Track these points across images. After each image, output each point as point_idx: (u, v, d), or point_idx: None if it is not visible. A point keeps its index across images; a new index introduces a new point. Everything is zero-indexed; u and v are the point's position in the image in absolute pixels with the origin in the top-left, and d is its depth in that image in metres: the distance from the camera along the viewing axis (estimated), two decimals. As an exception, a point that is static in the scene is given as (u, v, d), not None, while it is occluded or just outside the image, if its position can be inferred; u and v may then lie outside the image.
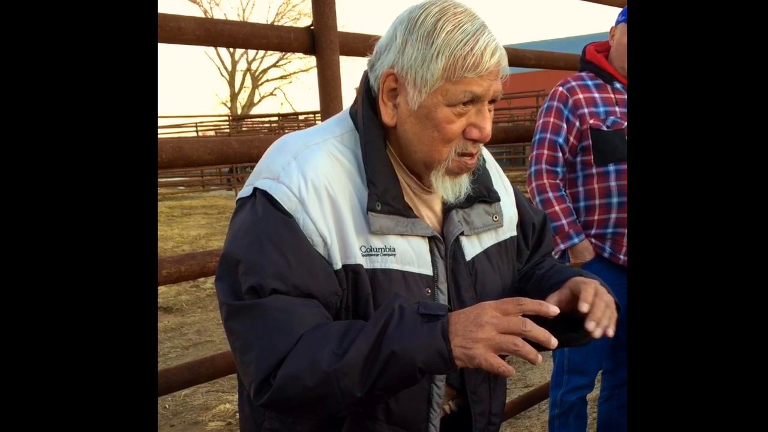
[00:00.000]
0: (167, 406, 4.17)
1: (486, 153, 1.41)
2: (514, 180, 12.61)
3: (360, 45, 2.21)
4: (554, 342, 1.05)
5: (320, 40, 2.10)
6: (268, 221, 1.15)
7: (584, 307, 1.16)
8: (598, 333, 1.15)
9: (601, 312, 1.16)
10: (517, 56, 3.07)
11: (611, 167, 2.51)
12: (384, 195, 1.18)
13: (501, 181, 1.42)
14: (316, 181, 1.16)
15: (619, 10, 2.68)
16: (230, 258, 1.16)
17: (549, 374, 3.06)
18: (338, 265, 1.16)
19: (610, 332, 1.16)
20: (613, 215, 2.53)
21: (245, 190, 1.21)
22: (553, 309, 1.09)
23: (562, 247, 2.60)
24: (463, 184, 1.25)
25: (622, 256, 2.54)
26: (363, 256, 1.17)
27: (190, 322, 6.02)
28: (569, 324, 1.22)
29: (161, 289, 6.71)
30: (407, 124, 1.19)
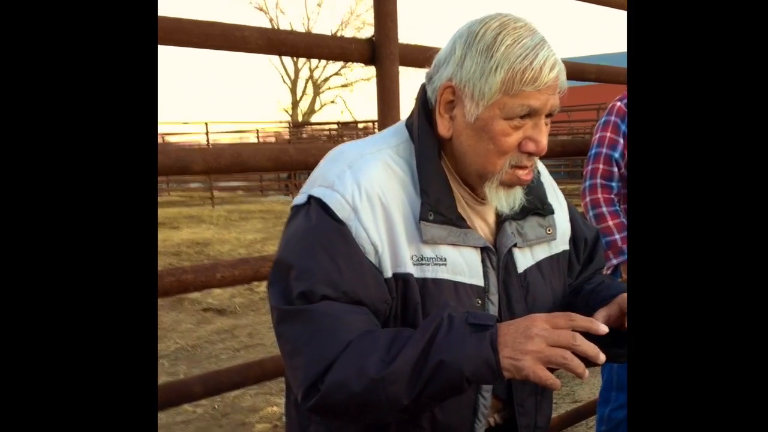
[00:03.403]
0: (216, 406, 4.24)
1: (541, 166, 1.41)
2: (572, 193, 12.48)
3: (420, 56, 2.22)
4: (602, 358, 1.05)
5: (381, 51, 2.12)
6: (321, 228, 1.16)
7: None
8: None
9: None
10: (578, 70, 3.05)
11: None
12: (437, 205, 1.19)
13: (555, 195, 1.42)
14: (369, 190, 1.18)
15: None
16: (283, 263, 1.18)
17: (597, 390, 3.02)
18: (388, 274, 1.17)
19: None
20: None
21: (300, 198, 1.23)
22: (602, 327, 1.08)
23: (614, 262, 2.57)
24: (517, 196, 1.25)
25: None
26: (414, 265, 1.18)
27: (242, 325, 6.10)
28: (617, 340, 1.20)
29: (216, 291, 6.82)
30: (463, 136, 1.20)
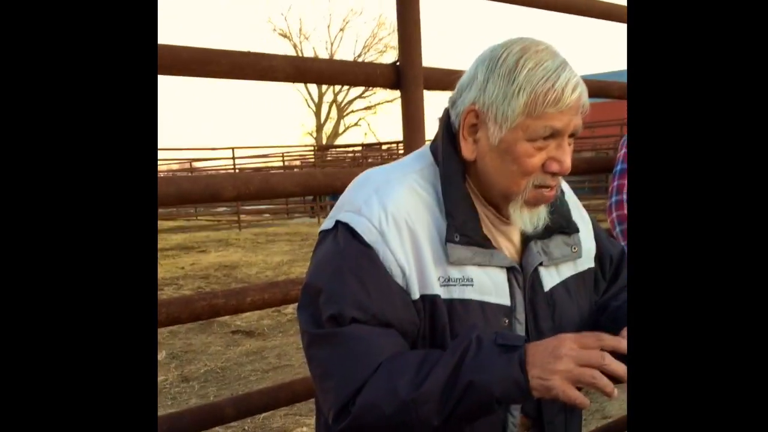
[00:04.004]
0: (246, 428, 4.26)
1: (565, 185, 1.42)
2: (596, 208, 12.40)
3: (444, 80, 2.25)
4: None
5: (405, 76, 2.15)
6: (349, 252, 1.18)
7: None
8: None
9: None
10: (602, 87, 3.06)
11: None
12: (462, 227, 1.20)
13: (579, 213, 1.43)
14: (396, 214, 1.20)
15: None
16: (312, 288, 1.20)
17: (627, 406, 2.99)
18: (416, 296, 1.19)
19: None
20: None
21: (327, 223, 1.26)
22: None
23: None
24: (541, 215, 1.26)
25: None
26: (441, 286, 1.20)
27: (270, 346, 6.14)
28: None
29: (244, 313, 6.87)
30: (487, 158, 1.22)
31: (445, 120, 1.28)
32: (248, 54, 1.88)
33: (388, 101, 35.91)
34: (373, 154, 20.85)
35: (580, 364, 1.05)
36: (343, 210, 1.24)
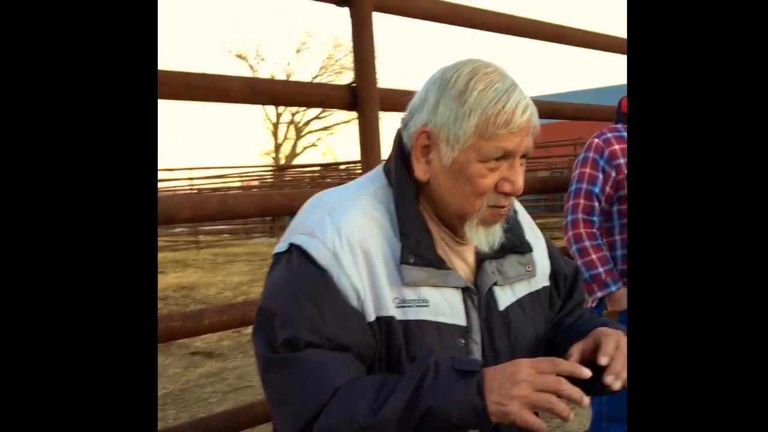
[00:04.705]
0: (207, 453, 4.19)
1: (518, 206, 1.44)
2: (552, 226, 12.51)
3: (399, 100, 2.26)
4: (586, 401, 1.08)
5: (361, 97, 2.17)
6: (303, 275, 1.18)
7: (603, 360, 1.18)
8: (617, 385, 1.16)
9: (620, 365, 1.18)
10: (555, 109, 3.13)
11: None
12: (417, 248, 1.21)
13: (533, 233, 1.45)
14: (350, 236, 1.20)
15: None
16: (267, 311, 1.19)
17: (587, 421, 3.03)
18: (371, 318, 1.19)
19: None
20: None
21: (281, 246, 1.25)
22: (586, 372, 1.11)
23: (599, 294, 2.61)
24: (496, 234, 1.27)
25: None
26: (396, 308, 1.20)
27: (231, 367, 6.06)
28: (596, 373, 1.23)
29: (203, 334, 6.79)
30: (440, 179, 1.23)
31: (398, 141, 1.29)
32: (204, 75, 1.88)
33: (345, 122, 35.99)
34: (332, 174, 20.80)
35: (537, 389, 1.07)
36: (296, 232, 1.24)
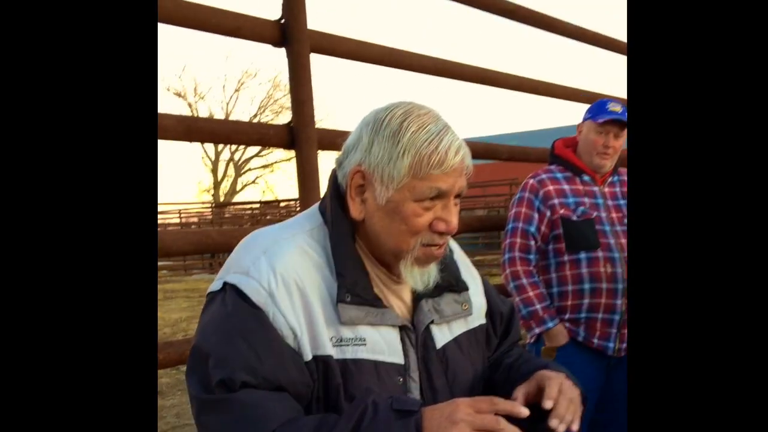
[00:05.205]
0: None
1: (453, 245, 1.45)
2: (491, 263, 12.62)
3: (337, 140, 2.28)
4: None
5: (299, 137, 2.18)
6: (237, 315, 1.17)
7: (548, 404, 1.19)
8: (561, 429, 1.18)
9: (564, 408, 1.19)
10: (491, 150, 3.20)
11: (582, 254, 2.58)
12: (353, 286, 1.21)
13: (469, 272, 1.46)
14: (285, 275, 1.19)
15: (586, 106, 2.81)
16: (200, 351, 1.17)
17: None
18: (308, 357, 1.18)
19: (575, 427, 1.19)
20: (586, 301, 2.58)
21: (215, 284, 1.23)
22: (524, 411, 1.12)
23: (537, 331, 2.64)
24: (431, 273, 1.28)
25: (595, 340, 2.59)
26: (333, 346, 1.19)
27: (169, 405, 5.89)
28: (539, 415, 1.24)
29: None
30: (375, 218, 1.23)
31: (333, 181, 1.30)
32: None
33: (285, 160, 35.94)
34: (272, 211, 20.71)
35: (475, 428, 1.07)
36: (231, 271, 1.23)
